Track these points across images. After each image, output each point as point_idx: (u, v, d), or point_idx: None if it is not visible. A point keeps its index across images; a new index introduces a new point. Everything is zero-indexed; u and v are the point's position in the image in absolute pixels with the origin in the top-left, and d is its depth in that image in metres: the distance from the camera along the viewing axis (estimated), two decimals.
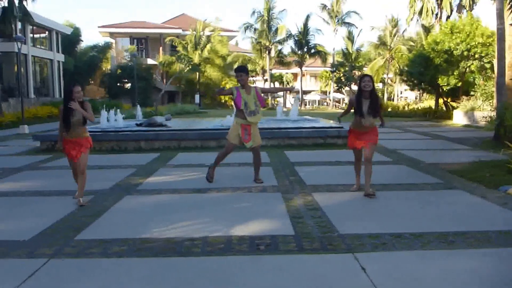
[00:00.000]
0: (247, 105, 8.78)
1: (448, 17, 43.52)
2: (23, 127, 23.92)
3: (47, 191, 8.64)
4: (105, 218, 6.69)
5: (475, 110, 25.10)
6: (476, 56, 27.17)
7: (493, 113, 16.01)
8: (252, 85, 9.14)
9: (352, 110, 8.04)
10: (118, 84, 60.14)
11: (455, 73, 28.36)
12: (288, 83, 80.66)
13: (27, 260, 5.00)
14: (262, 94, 9.13)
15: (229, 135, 9.07)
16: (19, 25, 38.69)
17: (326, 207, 7.10)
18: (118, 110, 19.79)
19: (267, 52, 63.34)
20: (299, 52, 65.22)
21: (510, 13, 15.75)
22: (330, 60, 66.34)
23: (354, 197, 7.80)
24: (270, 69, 66.13)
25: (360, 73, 58.69)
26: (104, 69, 65.91)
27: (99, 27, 62.60)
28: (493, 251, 5.15)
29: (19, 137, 21.28)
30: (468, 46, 27.00)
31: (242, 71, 8.91)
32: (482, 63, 27.34)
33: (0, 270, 4.74)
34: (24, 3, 31.81)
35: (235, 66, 62.32)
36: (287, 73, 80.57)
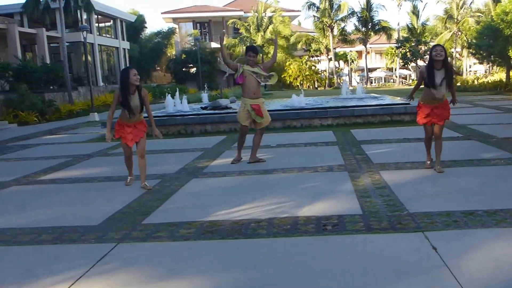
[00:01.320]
0: (249, 80, 8.85)
1: None
2: (93, 114, 24.62)
3: (116, 177, 8.79)
4: (171, 202, 6.75)
5: None
6: None
7: None
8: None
9: (422, 85, 7.78)
10: (184, 69, 60.74)
11: None
12: (352, 61, 79.83)
13: (97, 245, 5.09)
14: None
15: (239, 117, 9.14)
16: (84, 15, 39.58)
17: (394, 185, 6.93)
18: (184, 94, 20.00)
19: (330, 30, 62.66)
20: (363, 29, 64.28)
21: None
22: (395, 36, 65.10)
23: (423, 175, 7.59)
24: (334, 48, 65.47)
25: (426, 47, 57.22)
26: (169, 54, 66.77)
27: (162, 13, 63.43)
28: None
29: (90, 124, 21.88)
30: None
31: (254, 52, 9.00)
32: None
33: (71, 255, 4.83)
34: None
35: (299, 46, 62.20)
36: (351, 51, 79.54)
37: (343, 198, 6.41)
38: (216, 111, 16.94)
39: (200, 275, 4.20)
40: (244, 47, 49.00)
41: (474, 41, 33.49)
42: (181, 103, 18.89)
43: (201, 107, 19.00)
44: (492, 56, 30.88)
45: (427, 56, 7.81)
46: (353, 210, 5.79)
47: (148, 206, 6.53)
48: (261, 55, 57.37)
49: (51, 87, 31.55)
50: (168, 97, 19.02)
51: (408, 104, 15.42)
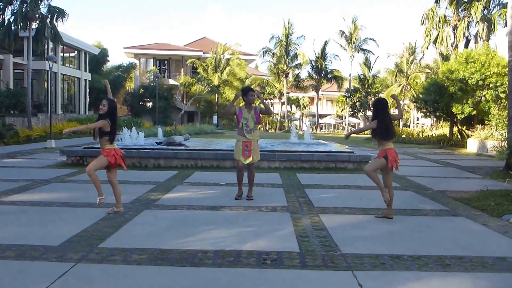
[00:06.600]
0: (248, 123, 9.57)
1: (466, 46, 43.64)
2: (50, 141, 24.90)
3: (73, 203, 9.21)
4: (126, 229, 7.21)
5: (488, 139, 25.04)
6: (491, 85, 26.81)
7: (504, 143, 15.76)
8: (253, 105, 9.84)
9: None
10: (140, 103, 61.24)
11: (469, 102, 28.15)
12: (304, 107, 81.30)
13: (57, 263, 5.52)
14: (260, 114, 9.81)
15: (235, 154, 9.80)
16: (51, 44, 39.87)
17: (332, 228, 7.50)
18: (140, 128, 20.35)
19: (284, 76, 64.00)
20: (316, 76, 65.85)
21: None
22: (346, 85, 66.62)
23: (359, 220, 8.20)
24: (287, 93, 66.75)
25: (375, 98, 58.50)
26: (127, 88, 66.99)
27: (124, 48, 63.82)
28: (487, 275, 5.42)
29: (46, 151, 22.21)
30: (483, 75, 26.76)
31: (253, 91, 9.77)
32: (497, 92, 26.81)
33: (33, 271, 5.26)
34: (55, 24, 32.87)
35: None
36: (303, 96, 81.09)
37: (284, 236, 6.94)
38: (170, 147, 17.41)
39: None
40: (200, 86, 49.33)
41: (420, 96, 34.45)
42: (137, 136, 19.30)
43: (156, 142, 19.40)
44: (436, 111, 31.92)
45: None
46: (291, 248, 6.31)
47: (104, 232, 6.98)
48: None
49: (12, 112, 31.63)
50: (124, 130, 19.38)
51: (352, 152, 16.20)
